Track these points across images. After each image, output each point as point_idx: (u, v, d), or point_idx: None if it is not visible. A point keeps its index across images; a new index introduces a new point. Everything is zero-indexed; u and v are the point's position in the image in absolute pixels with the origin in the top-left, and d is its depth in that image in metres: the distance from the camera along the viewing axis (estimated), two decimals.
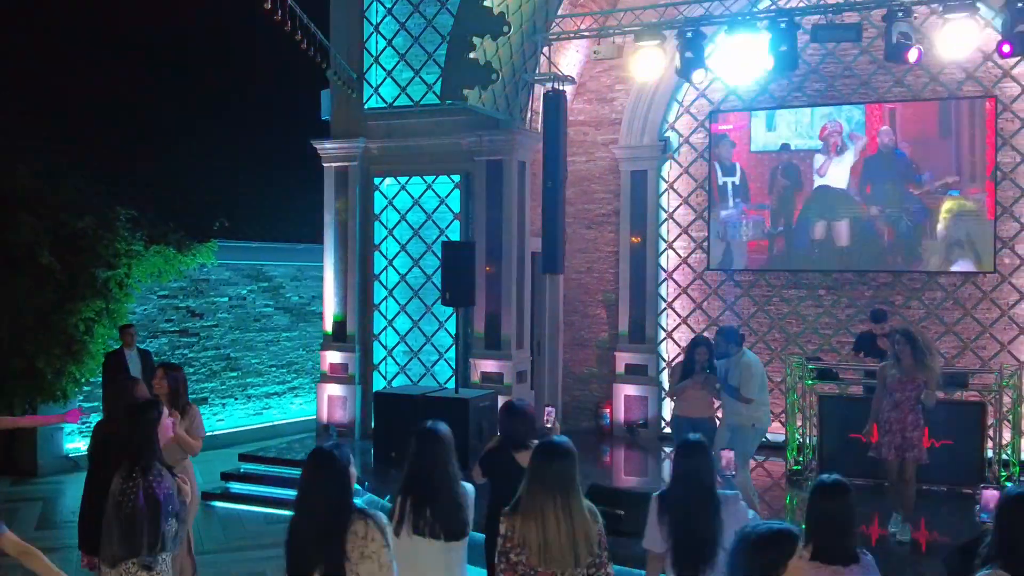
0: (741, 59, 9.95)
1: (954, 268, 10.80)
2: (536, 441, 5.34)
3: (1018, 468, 9.49)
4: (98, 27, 13.02)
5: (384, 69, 11.81)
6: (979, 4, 8.99)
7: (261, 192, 14.00)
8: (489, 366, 11.22)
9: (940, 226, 10.78)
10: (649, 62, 10.31)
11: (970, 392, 9.79)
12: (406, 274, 11.90)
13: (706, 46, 10.16)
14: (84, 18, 12.90)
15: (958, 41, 9.23)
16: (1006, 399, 9.48)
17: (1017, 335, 10.62)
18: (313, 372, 14.73)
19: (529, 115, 11.42)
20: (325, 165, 12.11)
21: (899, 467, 7.91)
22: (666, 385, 12.21)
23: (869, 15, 10.12)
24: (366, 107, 11.89)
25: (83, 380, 11.21)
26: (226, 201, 13.26)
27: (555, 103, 10.84)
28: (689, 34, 10.07)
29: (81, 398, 11.35)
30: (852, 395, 10.34)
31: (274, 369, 14.19)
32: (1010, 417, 9.50)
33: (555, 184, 10.82)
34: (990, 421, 9.51)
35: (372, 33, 11.82)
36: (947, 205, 10.75)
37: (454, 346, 11.60)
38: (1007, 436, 9.45)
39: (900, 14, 9.30)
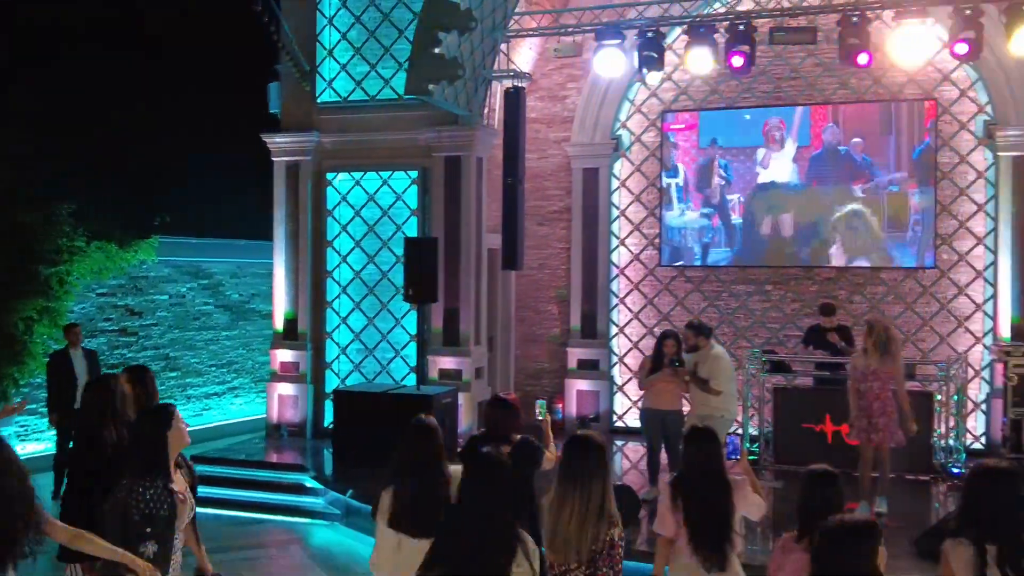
0: (698, 60, 10.21)
1: (895, 264, 11.28)
2: (519, 436, 5.41)
3: (964, 455, 9.98)
4: (37, 15, 12.46)
5: (338, 63, 11.64)
6: (928, 11, 9.40)
7: (203, 187, 13.61)
8: (448, 363, 11.19)
9: (882, 223, 11.25)
10: (610, 61, 10.46)
11: (913, 383, 10.26)
12: (361, 271, 11.75)
13: (664, 46, 10.40)
14: (24, 5, 12.32)
15: (908, 46, 9.67)
16: (952, 388, 9.99)
17: (955, 328, 11.17)
18: (254, 371, 14.42)
19: (486, 112, 11.42)
20: (275, 159, 11.87)
21: (874, 450, 8.24)
22: (618, 379, 12.43)
23: (815, 19, 10.48)
24: (319, 101, 11.69)
25: (23, 381, 10.71)
26: (168, 196, 12.85)
27: (515, 100, 10.88)
28: (649, 34, 10.27)
29: (19, 400, 10.84)
30: (804, 386, 10.73)
31: (214, 369, 13.83)
32: (955, 406, 10.02)
33: (515, 181, 10.86)
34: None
35: (326, 26, 11.63)
36: (889, 202, 11.23)
37: (411, 343, 11.53)
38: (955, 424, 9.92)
39: (855, 19, 9.69)
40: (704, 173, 11.86)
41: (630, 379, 12.31)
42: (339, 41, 11.63)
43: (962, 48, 8.95)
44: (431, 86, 9.75)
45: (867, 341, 8.17)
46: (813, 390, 10.57)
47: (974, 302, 11.14)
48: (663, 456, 9.04)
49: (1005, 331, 10.88)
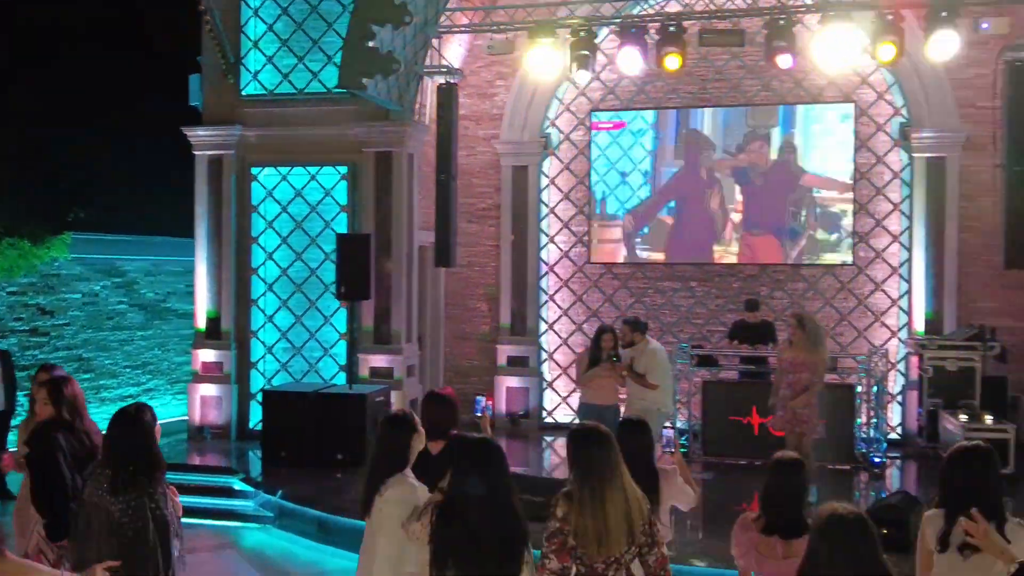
0: (629, 60, 10.34)
1: (815, 261, 11.64)
2: (455, 431, 5.39)
3: (885, 444, 10.37)
4: None
5: (264, 55, 11.37)
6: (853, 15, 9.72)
7: (119, 182, 13.12)
8: (379, 361, 11.04)
9: (804, 221, 11.60)
10: (543, 59, 10.49)
11: (833, 375, 10.63)
12: (288, 268, 11.50)
13: (596, 45, 10.50)
14: None
15: (831, 50, 9.98)
16: (871, 381, 10.38)
17: (872, 322, 11.60)
18: (170, 373, 13.97)
19: (418, 108, 11.31)
20: (197, 153, 11.51)
21: (797, 441, 8.48)
22: (548, 376, 12.48)
23: (739, 23, 10.71)
24: (243, 94, 11.40)
25: None
26: (82, 191, 12.34)
27: (449, 96, 10.84)
28: (582, 33, 10.34)
29: None
30: (731, 380, 10.99)
31: (128, 370, 13.35)
32: (875, 398, 10.42)
33: (449, 177, 10.82)
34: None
35: (251, 17, 11.35)
36: (811, 202, 11.58)
37: (341, 341, 11.34)
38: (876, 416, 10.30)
39: (781, 22, 9.95)
40: (636, 171, 12.01)
41: (560, 375, 12.40)
42: (265, 33, 11.36)
43: (887, 52, 9.28)
44: (365, 80, 9.61)
45: (796, 334, 8.42)
46: (740, 383, 10.84)
47: (890, 297, 11.58)
48: None
49: (919, 325, 11.35)
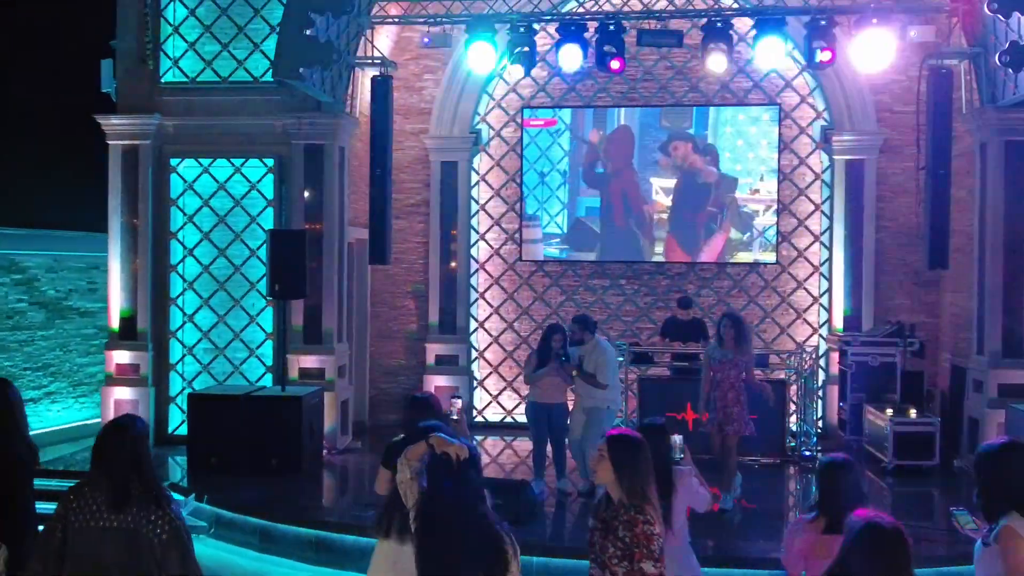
0: (568, 57, 10.29)
1: (740, 259, 11.89)
2: (439, 435, 5.26)
3: (815, 438, 10.68)
4: None
5: (186, 41, 10.81)
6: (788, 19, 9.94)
7: (18, 172, 12.24)
8: (310, 361, 10.66)
9: (731, 221, 11.82)
10: (482, 54, 10.32)
11: (759, 371, 10.88)
12: (209, 265, 10.98)
13: (535, 41, 10.41)
14: None
15: (767, 53, 10.18)
16: (798, 376, 10.68)
17: (795, 319, 11.93)
18: (72, 375, 13.16)
19: (348, 100, 10.97)
20: (111, 143, 10.85)
21: (721, 440, 8.62)
22: (478, 375, 12.34)
23: (668, 23, 10.81)
24: (162, 81, 10.82)
25: None
26: None
27: (383, 88, 10.56)
28: (522, 29, 10.24)
29: None
30: (666, 377, 11.10)
31: (28, 372, 12.48)
32: (803, 393, 10.72)
33: (384, 172, 10.54)
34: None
35: (171, 1, 10.77)
36: (731, 202, 11.81)
37: (268, 341, 10.91)
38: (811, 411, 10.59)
39: (719, 24, 10.09)
40: (570, 167, 12.01)
41: (490, 374, 12.28)
42: (186, 18, 10.81)
43: (826, 55, 9.52)
44: (303, 69, 9.24)
45: (728, 332, 8.56)
46: (674, 380, 10.95)
47: (812, 295, 11.94)
48: (548, 449, 9.09)
49: (838, 322, 11.75)
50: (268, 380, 10.86)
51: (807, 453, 10.45)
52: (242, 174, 10.93)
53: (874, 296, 11.73)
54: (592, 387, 8.78)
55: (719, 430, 8.56)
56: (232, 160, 10.90)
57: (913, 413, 10.18)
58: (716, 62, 10.12)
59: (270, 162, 10.87)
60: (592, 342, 8.94)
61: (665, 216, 11.89)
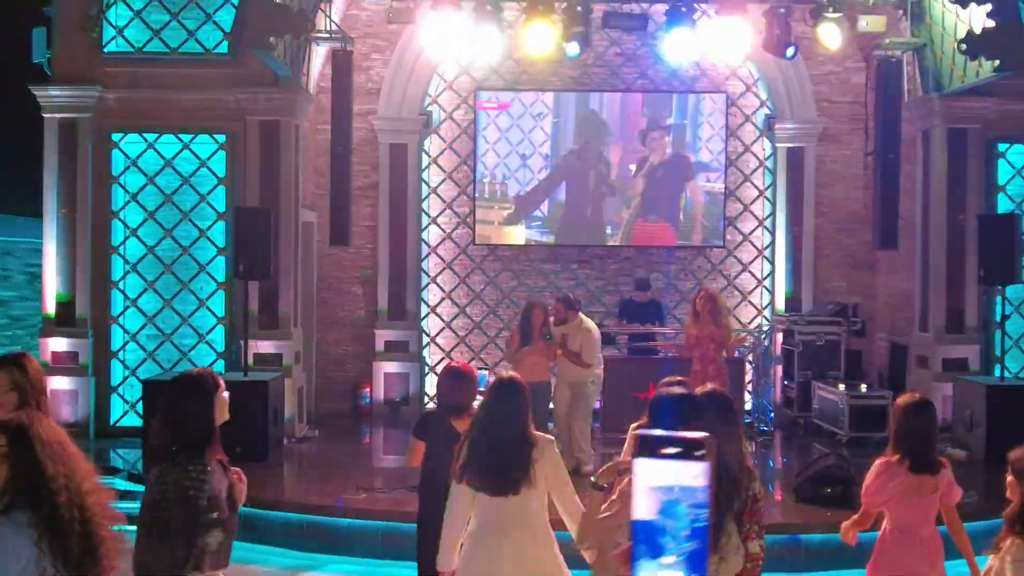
0: (536, 37, 10.25)
1: (689, 243, 12.13)
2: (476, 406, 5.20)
3: (772, 414, 11.01)
4: None
5: (131, 9, 10.20)
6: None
7: None
8: (266, 347, 10.21)
9: (681, 205, 12.05)
10: (446, 30, 10.15)
11: None
12: (155, 246, 10.39)
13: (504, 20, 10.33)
14: None
15: (729, 40, 10.42)
16: (756, 355, 11.01)
17: (740, 301, 12.26)
18: None
19: (304, 75, 10.61)
20: (46, 116, 10.14)
21: None
22: (429, 360, 12.14)
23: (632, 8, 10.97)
24: (105, 51, 10.17)
25: None
26: None
27: (344, 63, 10.26)
28: (489, 7, 10.13)
29: None
30: (628, 357, 11.21)
31: None
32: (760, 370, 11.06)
33: (345, 150, 10.24)
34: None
35: None
36: (690, 187, 12.06)
37: (219, 326, 10.42)
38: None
39: (683, 10, 10.26)
40: (525, 151, 11.94)
41: (442, 360, 12.09)
42: None
43: (791, 50, 9.81)
44: (273, 39, 8.85)
45: (704, 308, 8.80)
46: (636, 360, 11.07)
47: (756, 278, 12.31)
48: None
49: (781, 304, 12.16)
50: (220, 367, 10.36)
51: (764, 428, 10.77)
52: (191, 150, 10.39)
53: (813, 279, 12.20)
54: (572, 364, 8.81)
55: None
56: (180, 135, 10.36)
57: (864, 388, 10.65)
58: (679, 47, 10.29)
59: (222, 138, 10.38)
60: (576, 321, 8.95)
61: (635, 203, 11.99)
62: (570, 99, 12.03)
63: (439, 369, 11.99)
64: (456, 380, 5.20)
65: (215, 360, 10.40)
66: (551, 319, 8.82)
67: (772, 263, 12.25)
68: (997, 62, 9.01)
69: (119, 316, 10.38)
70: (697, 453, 1.16)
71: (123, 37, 10.22)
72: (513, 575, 4.23)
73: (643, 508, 1.15)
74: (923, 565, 4.53)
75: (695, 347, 8.84)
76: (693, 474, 1.14)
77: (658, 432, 1.20)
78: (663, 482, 1.15)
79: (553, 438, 4.59)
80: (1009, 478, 3.87)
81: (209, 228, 10.39)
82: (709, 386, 4.29)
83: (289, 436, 10.12)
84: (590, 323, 9.12)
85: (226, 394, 4.07)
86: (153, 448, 3.88)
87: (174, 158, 10.39)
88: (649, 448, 1.19)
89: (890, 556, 4.49)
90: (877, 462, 4.54)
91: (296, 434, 10.30)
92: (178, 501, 3.68)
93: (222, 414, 4.03)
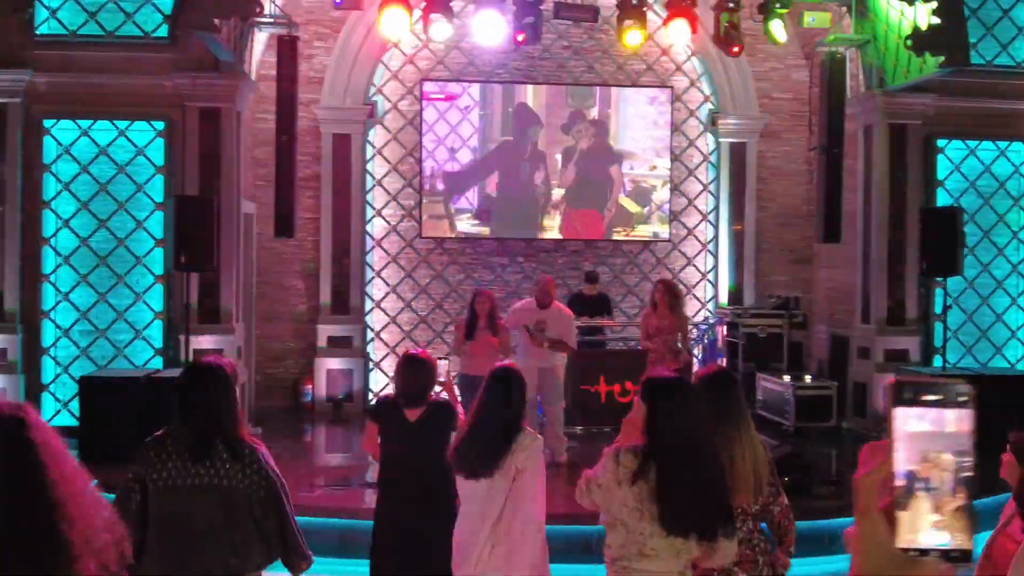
0: (486, 26, 10.12)
1: (639, 233, 12.14)
2: (433, 397, 5.10)
3: None
4: None
5: None
6: None
7: None
8: (207, 342, 9.82)
9: (628, 199, 12.06)
10: (394, 19, 9.94)
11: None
12: (88, 237, 9.92)
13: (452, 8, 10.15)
14: None
15: (676, 34, 10.45)
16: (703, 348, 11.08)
17: (684, 295, 12.29)
18: None
19: (247, 61, 10.27)
20: None
21: None
22: (374, 356, 11.91)
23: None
24: (37, 33, 9.66)
25: None
26: None
27: (290, 49, 9.96)
28: None
29: None
30: (579, 350, 11.11)
31: None
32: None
33: (290, 138, 9.94)
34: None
35: None
36: (621, 177, 12.06)
37: (157, 321, 10.01)
38: None
39: (634, 2, 10.25)
40: (474, 144, 11.79)
41: (387, 355, 11.87)
42: None
43: (734, 50, 9.88)
44: (218, 20, 8.54)
45: (662, 299, 8.83)
46: (587, 353, 11.01)
47: (700, 271, 12.40)
48: None
49: (724, 297, 12.28)
50: (158, 363, 9.96)
51: None
52: (127, 138, 9.96)
53: (755, 272, 12.35)
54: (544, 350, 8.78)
55: None
56: (116, 122, 9.92)
57: (808, 379, 10.81)
58: (632, 38, 10.26)
59: (160, 125, 9.97)
60: (557, 308, 8.96)
61: (562, 193, 11.94)
62: (518, 91, 11.92)
63: (384, 365, 11.83)
64: (414, 368, 5.01)
65: (152, 357, 9.99)
66: (496, 308, 8.70)
67: (716, 257, 12.36)
68: (942, 58, 9.24)
69: (50, 311, 9.88)
70: (960, 399, 1.06)
71: (56, 19, 9.71)
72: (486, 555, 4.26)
73: (905, 459, 1.05)
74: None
75: (654, 337, 8.87)
76: (956, 420, 1.05)
77: (916, 378, 1.10)
78: (924, 429, 1.05)
79: (540, 436, 4.51)
80: (1008, 457, 3.85)
81: (146, 219, 9.97)
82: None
83: None
84: (563, 306, 9.16)
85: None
86: (195, 442, 3.64)
87: (109, 145, 9.95)
88: (908, 395, 1.09)
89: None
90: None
91: None
92: (271, 488, 3.64)
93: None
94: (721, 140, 12.25)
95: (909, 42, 9.24)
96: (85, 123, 9.89)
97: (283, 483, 3.72)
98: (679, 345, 8.98)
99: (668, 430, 3.45)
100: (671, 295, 8.93)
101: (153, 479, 3.62)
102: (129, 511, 3.63)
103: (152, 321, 10.04)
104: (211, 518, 3.59)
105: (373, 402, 5.23)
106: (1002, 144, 11.01)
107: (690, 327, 11.04)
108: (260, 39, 10.78)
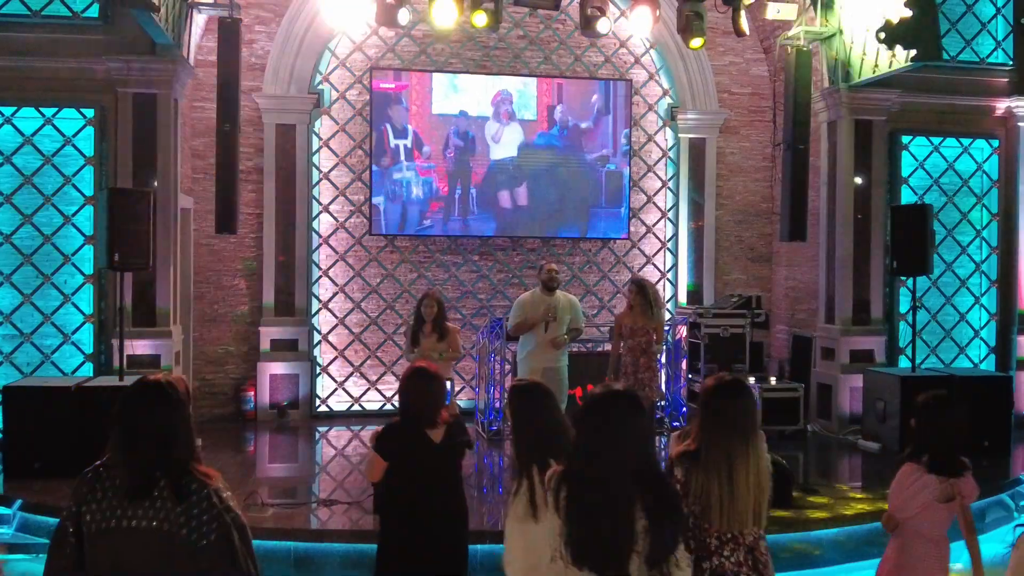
0: (443, 11, 9.59)
1: (592, 235, 11.73)
2: (448, 417, 4.63)
3: (685, 407, 10.74)
4: None
5: None
6: None
7: None
8: (142, 347, 9.12)
9: (599, 198, 11.61)
10: (343, 3, 9.35)
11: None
12: (12, 234, 9.13)
13: None
14: None
15: (637, 24, 10.05)
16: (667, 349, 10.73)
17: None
18: None
19: (186, 45, 9.55)
20: None
21: None
22: (321, 360, 11.28)
23: None
24: None
25: None
26: None
27: (232, 32, 9.26)
28: None
29: None
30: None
31: None
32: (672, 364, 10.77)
33: (233, 127, 9.25)
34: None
35: None
36: (595, 175, 11.64)
37: (88, 324, 9.26)
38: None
39: None
40: (431, 138, 11.20)
41: (335, 358, 11.24)
42: None
43: (696, 42, 9.48)
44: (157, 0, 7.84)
45: (635, 299, 8.46)
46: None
47: (659, 270, 12.03)
48: None
49: (683, 297, 11.95)
50: (88, 370, 9.22)
51: (677, 424, 10.49)
52: (54, 126, 9.19)
53: (714, 271, 12.05)
54: (548, 346, 8.51)
55: None
56: (42, 109, 9.15)
57: (773, 380, 10.54)
58: (601, 26, 9.80)
59: (90, 113, 9.22)
60: (565, 297, 8.79)
61: (525, 191, 11.46)
62: (469, 81, 11.38)
63: (332, 369, 11.21)
64: (431, 383, 4.52)
65: (82, 363, 9.25)
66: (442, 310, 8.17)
67: (675, 255, 12.02)
68: (914, 52, 9.01)
69: None
70: None
71: None
72: None
73: None
74: (942, 572, 4.22)
75: (629, 338, 8.49)
76: None
77: None
78: None
79: None
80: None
81: (75, 214, 9.22)
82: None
83: None
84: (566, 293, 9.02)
85: None
86: (135, 477, 3.05)
87: (35, 134, 9.17)
88: None
89: (915, 568, 4.14)
90: (904, 468, 4.20)
91: None
92: (223, 534, 3.10)
93: None
94: (680, 136, 11.89)
95: (881, 35, 8.99)
96: (8, 110, 9.13)
97: (242, 525, 3.15)
98: (654, 348, 8.61)
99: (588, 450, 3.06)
100: (643, 294, 8.57)
101: (86, 520, 3.05)
102: (63, 556, 3.08)
103: (82, 324, 9.29)
104: (147, 566, 3.02)
105: (381, 431, 4.64)
106: (965, 141, 10.90)
107: (671, 328, 10.75)
108: (198, 22, 10.09)
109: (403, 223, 11.17)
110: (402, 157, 11.14)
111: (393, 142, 11.12)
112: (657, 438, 10.25)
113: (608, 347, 9.26)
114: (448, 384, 8.28)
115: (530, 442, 3.75)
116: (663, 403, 10.37)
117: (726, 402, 3.58)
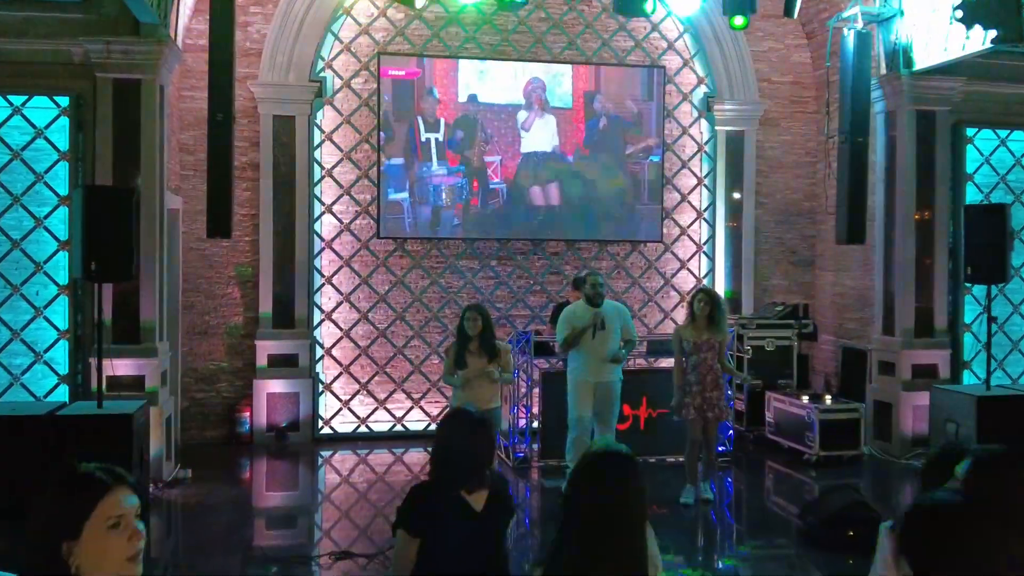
0: None
1: (629, 236, 10.67)
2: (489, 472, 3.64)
3: (731, 430, 9.69)
4: None
5: None
6: None
7: None
8: (124, 367, 8.01)
9: (642, 195, 10.57)
10: None
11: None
12: None
13: None
14: None
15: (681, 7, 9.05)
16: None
17: (678, 303, 10.91)
18: None
19: (173, 25, 8.46)
20: None
21: (704, 428, 7.75)
22: (325, 377, 10.20)
23: None
24: None
25: None
26: None
27: (226, 9, 8.16)
28: None
29: None
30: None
31: None
32: None
33: (227, 117, 8.15)
34: None
35: None
36: (628, 170, 10.59)
37: (62, 341, 8.15)
38: None
39: None
40: (465, 131, 10.11)
41: (340, 375, 10.17)
42: None
43: (739, 21, 8.49)
44: None
45: (705, 310, 7.61)
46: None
47: (695, 276, 11.00)
48: None
49: None
50: (63, 394, 8.11)
51: (720, 448, 9.45)
52: (24, 116, 8.08)
53: (753, 277, 11.04)
54: (605, 358, 7.66)
55: (700, 417, 7.62)
56: (9, 97, 8.04)
57: (829, 399, 9.51)
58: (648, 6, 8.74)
59: (64, 101, 8.11)
60: (610, 302, 8.02)
61: (552, 187, 10.40)
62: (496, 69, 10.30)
63: (335, 387, 10.16)
64: (475, 432, 3.52)
65: (56, 386, 8.13)
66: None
67: (712, 259, 10.98)
68: (994, 33, 8.01)
69: None
70: None
71: None
72: None
73: None
74: None
75: (693, 354, 7.55)
76: None
77: None
78: None
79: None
80: None
81: (48, 216, 8.11)
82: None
83: (156, 481, 8.02)
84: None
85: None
86: None
87: (1, 126, 8.06)
88: None
89: None
90: None
91: (165, 477, 8.20)
92: None
93: None
94: (718, 128, 10.86)
95: (959, 13, 7.99)
96: None
97: None
98: (718, 365, 7.66)
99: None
100: (712, 306, 7.68)
101: None
102: None
103: (56, 342, 8.17)
104: None
105: (406, 498, 3.57)
106: None
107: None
108: (186, 3, 9.02)
109: (436, 223, 10.07)
110: (433, 153, 10.05)
111: (425, 136, 10.02)
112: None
113: (670, 363, 8.26)
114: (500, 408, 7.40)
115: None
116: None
117: (604, 482, 2.65)
